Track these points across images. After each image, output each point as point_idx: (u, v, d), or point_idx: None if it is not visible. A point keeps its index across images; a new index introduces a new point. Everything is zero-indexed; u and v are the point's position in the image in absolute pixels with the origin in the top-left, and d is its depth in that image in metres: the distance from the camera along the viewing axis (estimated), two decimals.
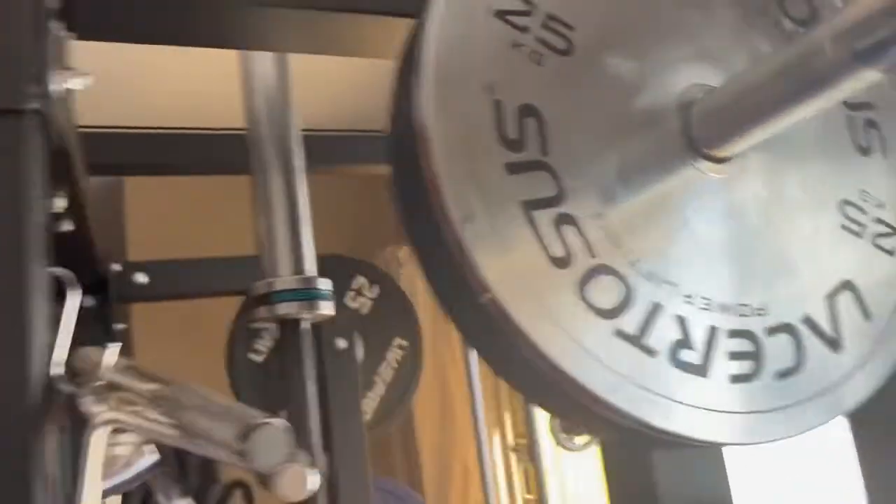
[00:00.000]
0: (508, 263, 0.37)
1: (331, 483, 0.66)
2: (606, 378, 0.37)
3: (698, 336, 0.40)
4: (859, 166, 0.48)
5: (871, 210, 0.47)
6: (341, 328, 0.67)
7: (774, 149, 0.46)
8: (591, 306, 0.38)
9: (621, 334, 0.38)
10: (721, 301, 0.41)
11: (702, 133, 0.42)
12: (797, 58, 0.39)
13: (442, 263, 0.38)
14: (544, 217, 0.38)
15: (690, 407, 0.39)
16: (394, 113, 0.42)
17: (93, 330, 1.06)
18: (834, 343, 0.43)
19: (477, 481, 1.62)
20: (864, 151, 0.48)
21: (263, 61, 0.56)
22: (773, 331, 0.42)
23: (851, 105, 0.49)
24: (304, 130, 0.57)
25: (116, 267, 1.11)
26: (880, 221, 0.47)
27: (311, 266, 0.55)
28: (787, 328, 0.42)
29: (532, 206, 0.38)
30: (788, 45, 0.38)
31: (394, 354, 1.03)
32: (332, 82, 1.27)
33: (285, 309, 0.53)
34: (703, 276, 0.41)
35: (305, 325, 0.54)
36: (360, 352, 0.77)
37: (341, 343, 0.68)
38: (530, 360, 0.37)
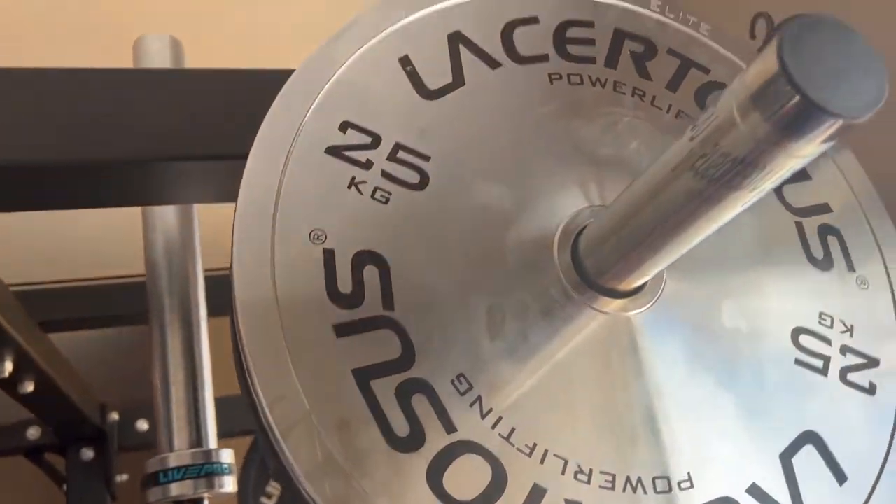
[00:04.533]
0: (334, 453, 0.30)
1: None
2: None
3: None
4: (816, 284, 0.39)
5: (836, 337, 0.38)
6: None
7: (704, 270, 0.38)
8: (448, 498, 0.30)
9: None
10: (631, 474, 0.32)
11: (594, 264, 0.35)
12: (699, 144, 0.27)
13: (268, 451, 0.31)
14: (384, 387, 0.31)
15: None
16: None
17: (93, 484, 1.02)
18: None
19: None
20: (822, 265, 0.40)
21: (165, 213, 0.53)
22: None
23: (800, 210, 0.41)
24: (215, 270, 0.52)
25: (114, 416, 1.08)
26: (850, 351, 0.38)
27: (211, 436, 0.49)
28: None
29: (368, 374, 0.31)
30: (667, 151, 0.30)
31: None
32: None
33: (180, 489, 0.47)
34: (604, 445, 0.33)
35: None
36: None
37: None
38: None
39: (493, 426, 0.32)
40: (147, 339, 0.51)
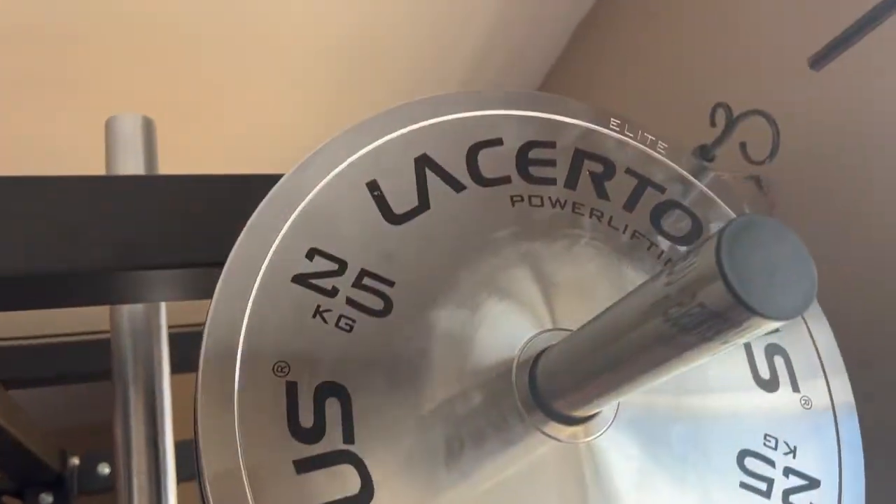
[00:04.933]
0: None
1: None
2: None
3: None
4: (761, 405, 0.41)
5: (779, 459, 0.40)
6: None
7: (653, 395, 0.40)
8: None
9: None
10: None
11: (552, 392, 0.36)
12: (676, 291, 0.31)
13: None
14: None
15: None
16: None
17: None
18: None
19: None
20: (768, 386, 0.41)
21: (134, 310, 0.53)
22: None
23: None
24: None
25: (75, 461, 1.07)
26: (792, 472, 0.39)
27: None
28: None
29: None
30: (638, 288, 0.32)
31: None
32: None
33: None
34: None
35: None
36: None
37: None
38: None
39: None
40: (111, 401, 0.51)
